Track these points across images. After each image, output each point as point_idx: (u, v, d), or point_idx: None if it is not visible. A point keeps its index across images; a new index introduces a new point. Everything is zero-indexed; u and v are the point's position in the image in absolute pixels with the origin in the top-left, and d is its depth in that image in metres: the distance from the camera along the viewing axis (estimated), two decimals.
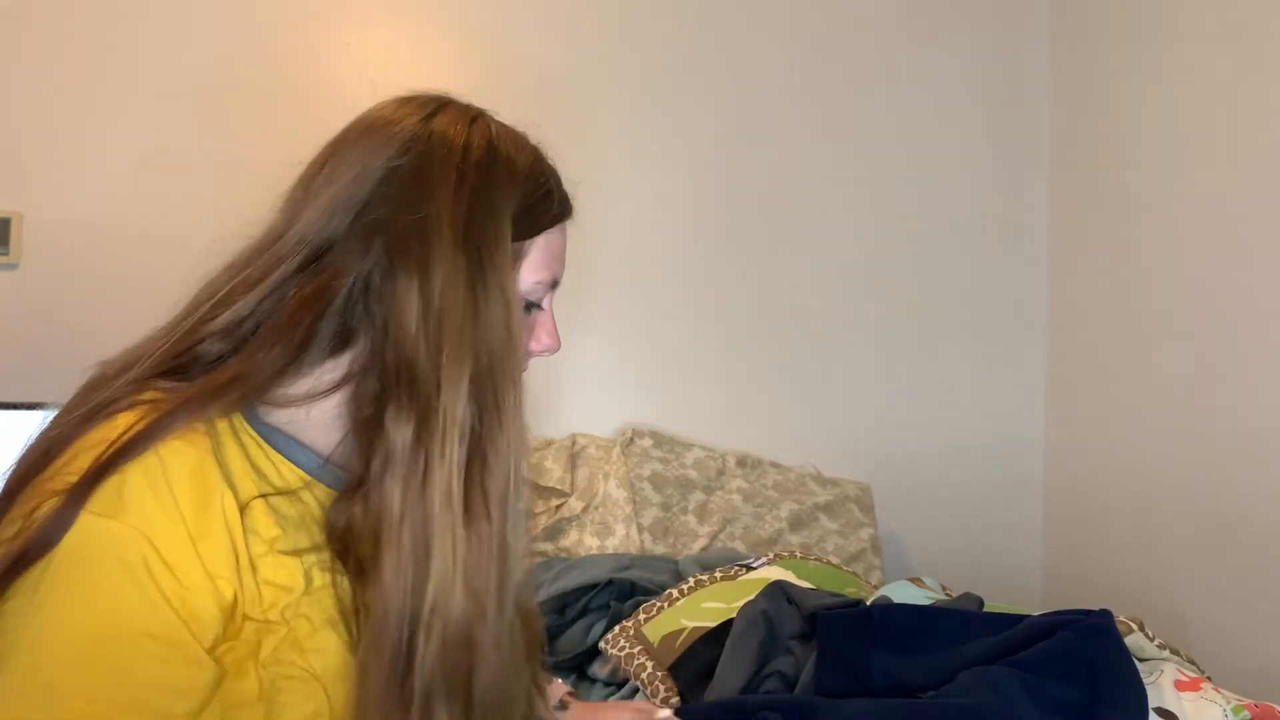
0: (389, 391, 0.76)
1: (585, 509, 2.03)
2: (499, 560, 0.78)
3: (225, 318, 0.78)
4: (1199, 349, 1.94)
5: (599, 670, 1.51)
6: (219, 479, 0.73)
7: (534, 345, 0.91)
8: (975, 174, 2.43)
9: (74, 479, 0.69)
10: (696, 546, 2.02)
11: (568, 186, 0.92)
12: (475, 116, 0.88)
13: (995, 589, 1.98)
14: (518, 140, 0.89)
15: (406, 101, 0.87)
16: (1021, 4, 2.45)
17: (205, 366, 0.77)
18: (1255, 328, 1.82)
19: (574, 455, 2.12)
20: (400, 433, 0.75)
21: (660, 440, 2.17)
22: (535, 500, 2.09)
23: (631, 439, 2.15)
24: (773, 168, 2.33)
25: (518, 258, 0.85)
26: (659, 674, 1.38)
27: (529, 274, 0.87)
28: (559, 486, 2.06)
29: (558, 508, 2.04)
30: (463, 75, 2.19)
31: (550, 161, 0.92)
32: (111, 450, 0.69)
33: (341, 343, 0.79)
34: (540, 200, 0.87)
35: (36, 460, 0.72)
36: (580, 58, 2.26)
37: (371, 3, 2.16)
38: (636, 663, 1.43)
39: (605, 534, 1.99)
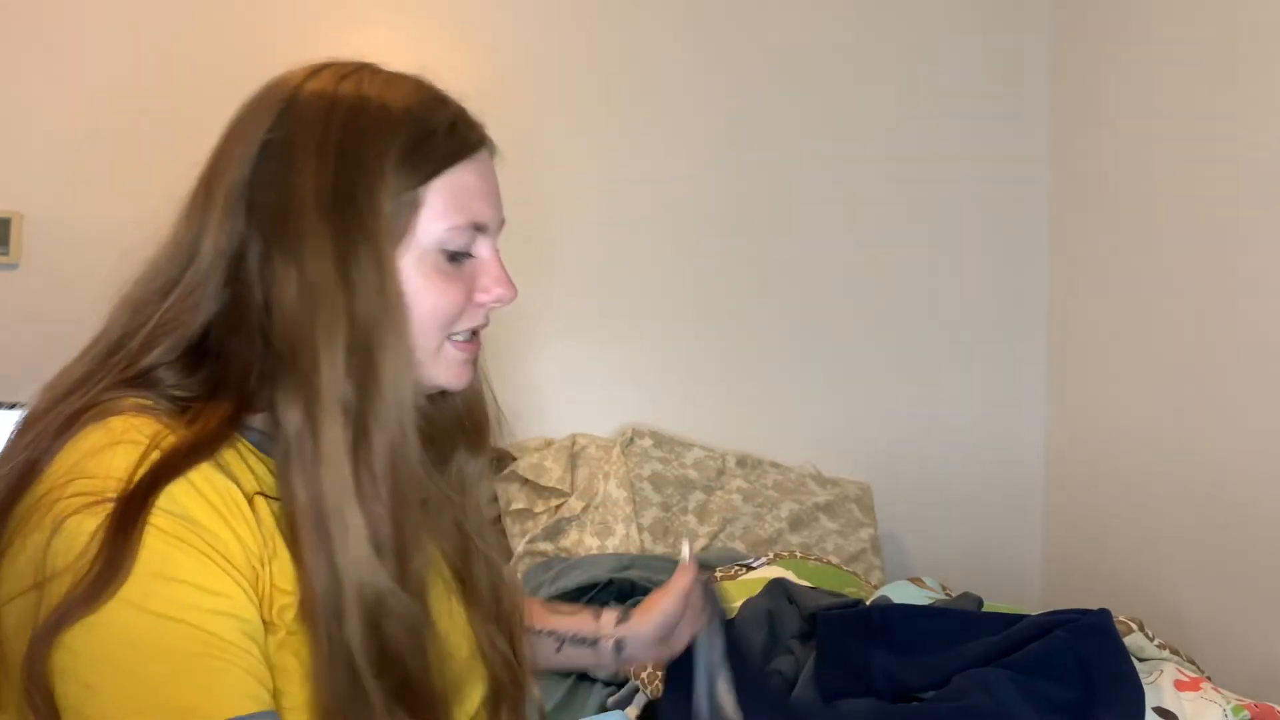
0: (278, 378, 0.75)
1: (585, 509, 2.02)
2: (395, 534, 0.76)
3: (168, 345, 0.77)
4: (1200, 349, 1.94)
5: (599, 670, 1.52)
6: (230, 484, 0.72)
7: (481, 296, 0.85)
8: (975, 174, 2.43)
9: (94, 484, 0.68)
10: (697, 546, 2.02)
11: (512, 124, 0.88)
12: (350, 72, 0.83)
13: (995, 589, 1.97)
14: (394, 83, 0.84)
15: (293, 71, 0.84)
16: (1023, 4, 2.45)
17: (168, 393, 0.76)
18: (1257, 328, 1.82)
19: (574, 455, 2.12)
20: (291, 419, 0.74)
21: (660, 440, 2.17)
22: (535, 500, 2.09)
23: (631, 439, 2.15)
24: (773, 168, 2.33)
25: (415, 208, 0.80)
26: (659, 673, 1.38)
27: (436, 222, 0.81)
28: (559, 486, 2.06)
29: (558, 508, 2.04)
30: (464, 75, 2.18)
31: (444, 96, 0.86)
32: (145, 473, 0.69)
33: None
34: (425, 141, 0.81)
35: (19, 479, 0.71)
36: (582, 56, 2.26)
37: (371, 3, 2.16)
38: None
39: (605, 534, 1.99)
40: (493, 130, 0.89)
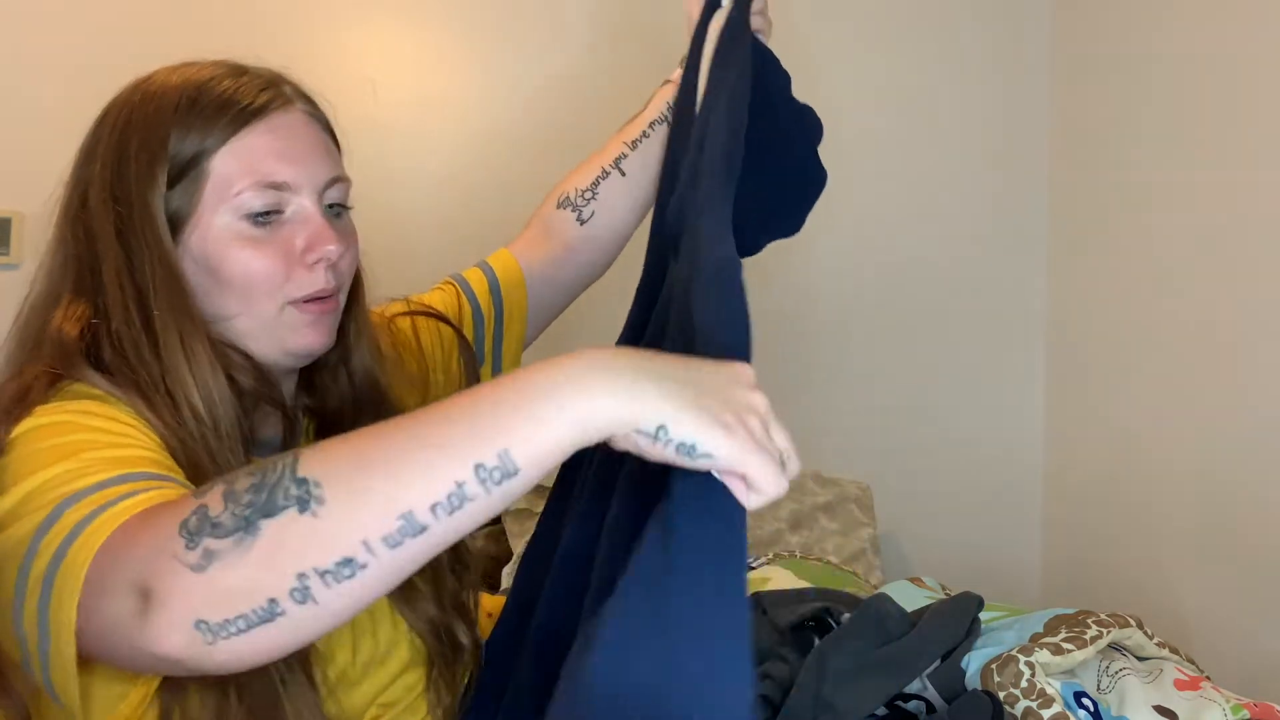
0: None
1: None
2: None
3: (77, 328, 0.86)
4: (1200, 348, 1.94)
5: None
6: None
7: (308, 255, 0.86)
8: (975, 173, 2.43)
9: None
10: None
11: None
12: (155, 72, 0.89)
13: (994, 589, 1.97)
14: (182, 70, 0.88)
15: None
16: (1021, 3, 2.45)
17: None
18: (1257, 327, 1.82)
19: None
20: (132, 401, 0.80)
21: None
22: (535, 500, 2.08)
23: None
24: None
25: (200, 182, 0.84)
26: None
27: (227, 190, 0.83)
28: None
29: None
30: (465, 74, 2.20)
31: (236, 69, 0.89)
32: None
33: None
34: (196, 118, 0.84)
35: None
36: (585, 54, 2.26)
37: (371, 3, 2.16)
38: None
39: None
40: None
